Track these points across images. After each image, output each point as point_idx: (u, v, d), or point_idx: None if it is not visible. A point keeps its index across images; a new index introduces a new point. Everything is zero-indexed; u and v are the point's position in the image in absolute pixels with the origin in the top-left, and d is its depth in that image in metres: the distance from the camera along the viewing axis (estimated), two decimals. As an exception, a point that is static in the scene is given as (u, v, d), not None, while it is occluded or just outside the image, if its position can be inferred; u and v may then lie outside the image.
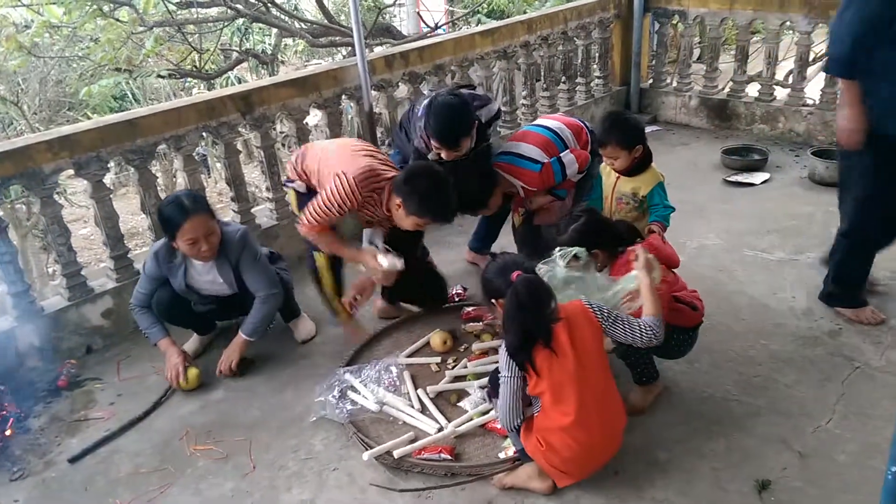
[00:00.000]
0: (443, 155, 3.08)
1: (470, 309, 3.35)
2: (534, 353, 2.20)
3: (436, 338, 3.13)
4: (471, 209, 3.31)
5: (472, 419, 2.68)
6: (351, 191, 2.78)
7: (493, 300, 2.37)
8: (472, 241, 3.88)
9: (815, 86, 5.74)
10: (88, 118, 9.17)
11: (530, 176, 3.19)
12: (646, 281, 2.34)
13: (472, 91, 3.41)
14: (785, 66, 7.99)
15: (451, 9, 10.97)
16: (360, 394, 2.83)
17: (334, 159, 2.92)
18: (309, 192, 3.03)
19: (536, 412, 2.29)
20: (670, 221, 3.11)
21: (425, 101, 3.15)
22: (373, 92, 4.11)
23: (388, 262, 2.90)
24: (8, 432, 2.77)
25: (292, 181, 3.13)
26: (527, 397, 2.30)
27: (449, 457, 2.50)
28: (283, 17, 7.36)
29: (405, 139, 3.39)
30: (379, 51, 5.71)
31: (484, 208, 3.31)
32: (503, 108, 4.98)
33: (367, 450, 2.56)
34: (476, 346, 3.11)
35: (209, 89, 8.86)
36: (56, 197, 3.30)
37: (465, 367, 2.98)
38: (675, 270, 2.75)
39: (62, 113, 9.46)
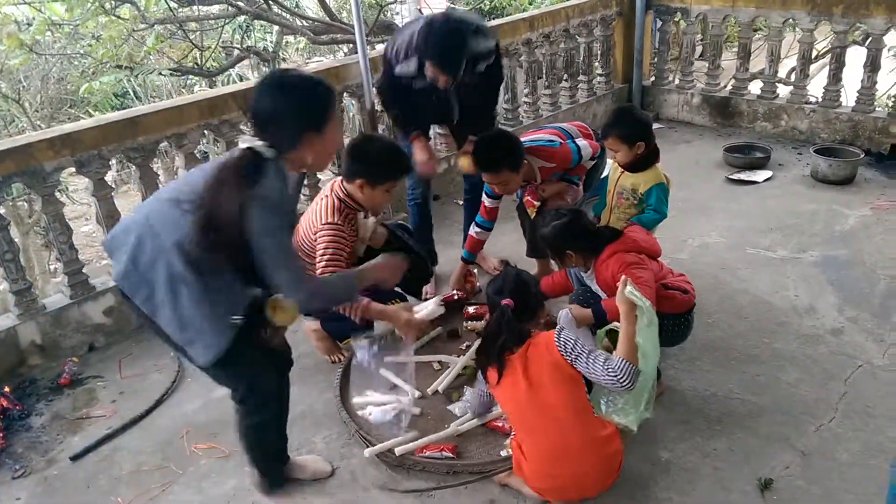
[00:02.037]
0: (439, 82, 2.98)
1: (471, 309, 3.34)
2: (489, 368, 2.25)
3: (463, 160, 3.22)
4: (509, 164, 3.05)
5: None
6: (337, 229, 2.75)
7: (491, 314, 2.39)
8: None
9: (817, 83, 5.72)
10: (90, 116, 9.16)
11: (549, 151, 3.17)
12: (625, 327, 2.16)
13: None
14: (787, 64, 7.97)
15: (452, 6, 10.95)
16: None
17: (308, 228, 2.87)
18: None
19: (513, 436, 2.34)
20: (655, 228, 3.07)
21: (420, 25, 3.01)
22: (374, 89, 4.09)
23: (427, 310, 2.81)
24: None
25: None
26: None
27: (451, 455, 2.50)
28: (284, 14, 7.34)
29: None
30: (380, 48, 5.70)
31: (517, 168, 3.08)
32: (505, 107, 4.98)
33: (367, 447, 2.56)
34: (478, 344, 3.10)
35: (211, 87, 8.86)
36: (58, 195, 3.30)
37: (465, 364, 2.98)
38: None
39: (64, 110, 9.44)
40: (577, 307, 2.68)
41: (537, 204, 3.38)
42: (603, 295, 2.68)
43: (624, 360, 2.08)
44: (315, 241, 2.79)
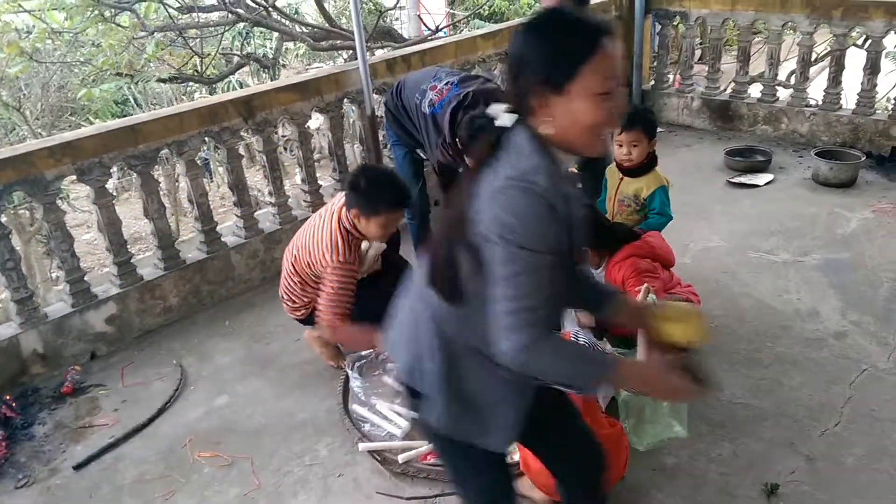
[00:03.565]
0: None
1: None
2: None
3: None
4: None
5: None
6: (350, 269, 2.76)
7: None
8: None
9: (817, 86, 5.72)
10: (91, 123, 9.17)
11: None
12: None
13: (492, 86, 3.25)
14: (787, 67, 7.97)
15: (451, 11, 10.97)
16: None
17: (312, 253, 2.86)
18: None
19: None
20: (663, 231, 3.06)
21: (452, 107, 3.01)
22: (375, 95, 4.10)
23: None
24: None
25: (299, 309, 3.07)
26: None
27: (455, 462, 2.49)
28: (283, 21, 7.36)
29: (400, 126, 3.36)
30: (380, 54, 5.70)
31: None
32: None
33: (372, 455, 2.55)
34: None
35: (211, 94, 8.86)
36: (59, 203, 3.30)
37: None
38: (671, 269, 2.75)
39: (65, 118, 9.45)
40: (584, 315, 2.66)
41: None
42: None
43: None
44: (322, 271, 2.79)
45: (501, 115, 1.41)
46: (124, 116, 9.71)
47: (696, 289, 2.95)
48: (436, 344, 1.51)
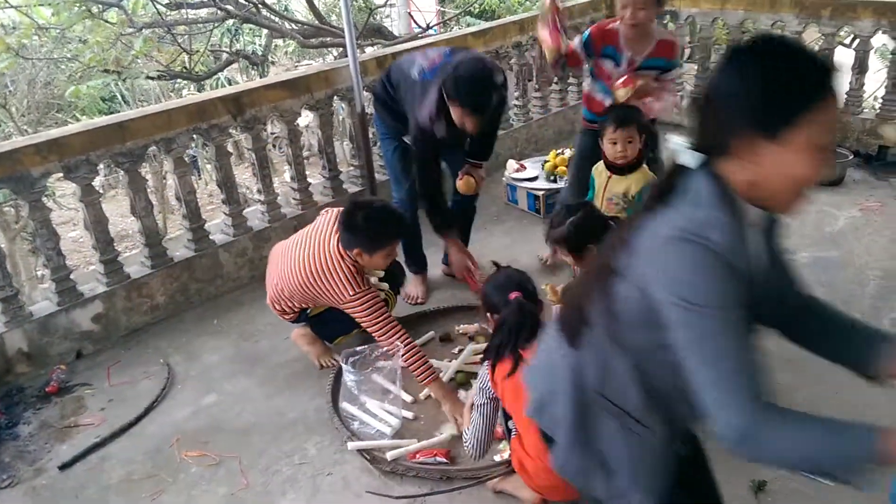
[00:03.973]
0: (468, 126, 2.94)
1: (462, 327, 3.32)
2: (501, 362, 2.16)
3: (461, 183, 3.33)
4: None
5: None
6: (368, 292, 2.74)
7: (488, 314, 2.36)
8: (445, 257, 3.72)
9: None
10: (77, 120, 9.09)
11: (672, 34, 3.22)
12: None
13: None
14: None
15: (442, 9, 10.96)
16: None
17: (323, 293, 2.79)
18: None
19: (514, 434, 2.29)
20: None
21: (440, 66, 3.00)
22: (365, 93, 4.09)
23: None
24: None
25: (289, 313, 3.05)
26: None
27: (445, 460, 2.48)
28: (273, 17, 7.32)
29: (390, 112, 3.33)
30: (371, 52, 5.69)
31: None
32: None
33: (361, 454, 2.54)
34: (469, 348, 3.09)
35: (199, 90, 8.81)
36: (45, 200, 3.26)
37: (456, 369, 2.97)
38: None
39: (51, 115, 9.38)
40: None
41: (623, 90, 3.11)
42: None
43: None
44: (340, 304, 2.77)
45: (684, 151, 1.23)
46: (111, 113, 9.66)
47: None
48: (570, 391, 1.40)
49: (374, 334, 2.76)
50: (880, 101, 5.03)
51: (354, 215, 2.72)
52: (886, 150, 4.77)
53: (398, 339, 2.71)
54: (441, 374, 2.88)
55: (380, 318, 2.73)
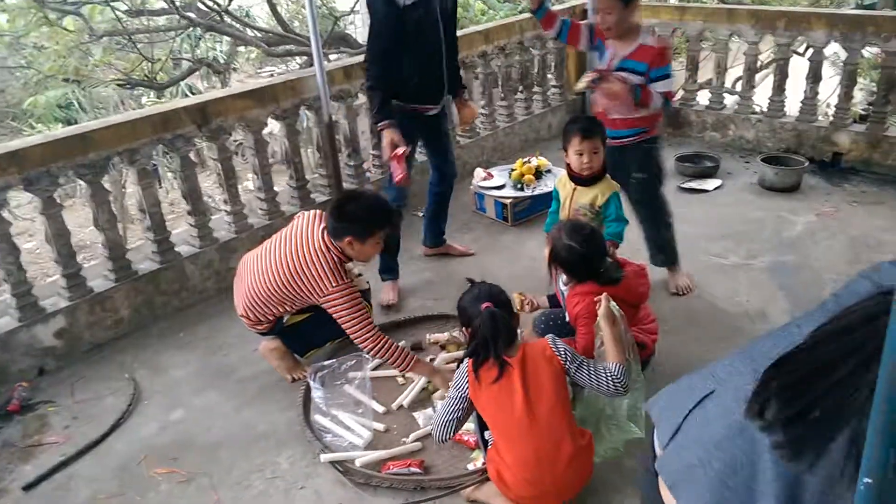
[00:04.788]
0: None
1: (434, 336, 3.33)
2: (484, 368, 2.22)
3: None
4: None
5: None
6: (350, 289, 2.78)
7: (463, 328, 2.39)
8: (425, 238, 4.02)
9: (762, 93, 5.91)
10: (33, 128, 8.87)
11: (662, 43, 3.20)
12: (608, 330, 2.31)
13: None
14: (733, 73, 8.21)
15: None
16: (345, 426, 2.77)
17: (303, 285, 2.79)
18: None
19: (491, 443, 2.32)
20: (624, 236, 3.10)
21: None
22: (332, 102, 4.08)
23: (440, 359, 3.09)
24: None
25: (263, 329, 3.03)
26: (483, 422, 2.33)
27: (419, 470, 2.49)
28: (236, 25, 7.25)
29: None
30: (337, 61, 5.67)
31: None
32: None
33: (334, 466, 2.54)
34: (441, 357, 3.10)
35: (159, 98, 8.67)
36: (5, 214, 3.18)
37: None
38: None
39: (5, 123, 9.14)
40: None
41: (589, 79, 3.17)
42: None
43: (620, 365, 2.23)
44: (318, 299, 2.78)
45: None
46: (69, 120, 9.45)
47: (649, 289, 2.92)
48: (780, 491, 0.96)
49: (350, 330, 2.78)
50: (833, 108, 5.19)
51: (346, 205, 2.78)
52: (840, 156, 4.94)
53: (373, 334, 2.76)
54: (414, 383, 2.91)
55: (358, 314, 2.76)
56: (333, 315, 2.79)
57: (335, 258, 2.77)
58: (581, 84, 3.20)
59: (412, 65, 3.24)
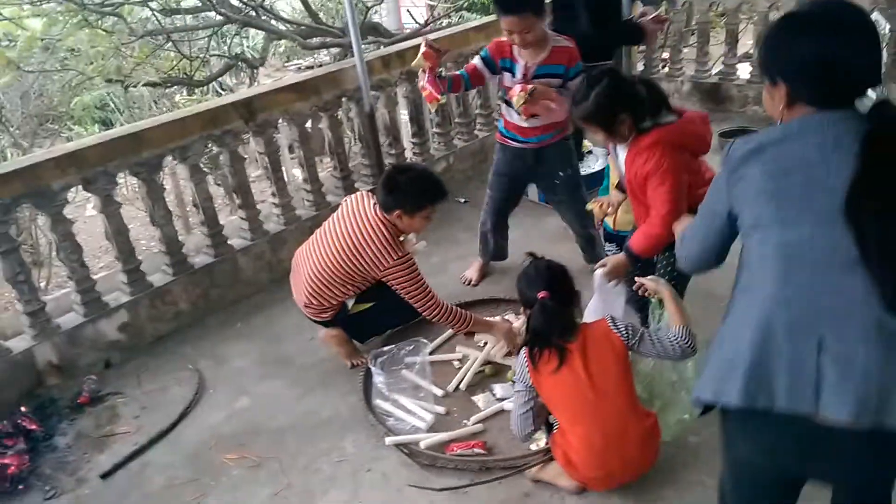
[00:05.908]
0: None
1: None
2: (544, 357, 2.21)
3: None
4: (532, 7, 2.88)
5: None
6: (408, 258, 2.87)
7: (522, 308, 2.39)
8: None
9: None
10: (71, 130, 9.06)
11: (570, 42, 3.06)
12: (667, 293, 2.28)
13: None
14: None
15: (431, 3, 10.95)
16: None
17: (360, 260, 2.85)
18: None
19: (557, 428, 2.34)
20: None
21: None
22: (372, 92, 4.11)
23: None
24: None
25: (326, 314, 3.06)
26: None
27: (482, 451, 2.53)
28: (270, 20, 7.31)
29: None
30: (375, 51, 5.71)
31: (540, 13, 2.95)
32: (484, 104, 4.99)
33: (399, 448, 2.59)
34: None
35: (190, 96, 8.78)
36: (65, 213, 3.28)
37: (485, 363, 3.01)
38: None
39: (45, 126, 9.32)
40: (611, 258, 2.58)
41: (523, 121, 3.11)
42: (622, 169, 2.54)
43: (683, 327, 2.20)
44: (378, 273, 2.86)
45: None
46: (106, 121, 9.64)
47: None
48: None
49: (412, 299, 2.89)
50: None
51: (396, 178, 2.85)
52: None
53: (433, 302, 2.90)
54: (469, 363, 2.98)
55: (418, 285, 2.88)
56: (393, 286, 2.87)
57: (390, 231, 2.83)
58: (516, 100, 2.94)
59: None
